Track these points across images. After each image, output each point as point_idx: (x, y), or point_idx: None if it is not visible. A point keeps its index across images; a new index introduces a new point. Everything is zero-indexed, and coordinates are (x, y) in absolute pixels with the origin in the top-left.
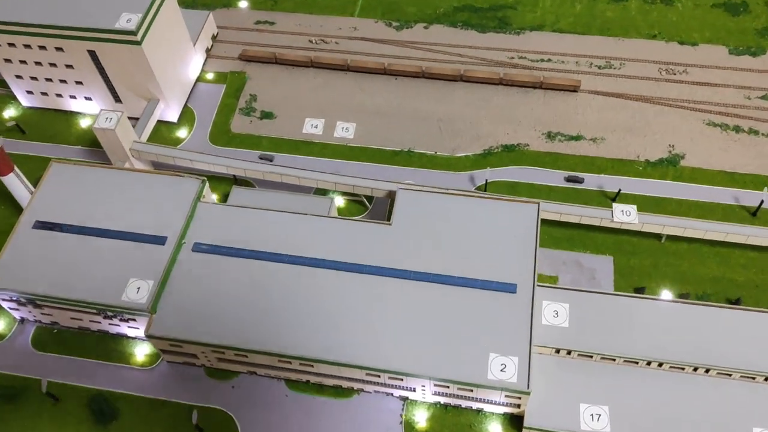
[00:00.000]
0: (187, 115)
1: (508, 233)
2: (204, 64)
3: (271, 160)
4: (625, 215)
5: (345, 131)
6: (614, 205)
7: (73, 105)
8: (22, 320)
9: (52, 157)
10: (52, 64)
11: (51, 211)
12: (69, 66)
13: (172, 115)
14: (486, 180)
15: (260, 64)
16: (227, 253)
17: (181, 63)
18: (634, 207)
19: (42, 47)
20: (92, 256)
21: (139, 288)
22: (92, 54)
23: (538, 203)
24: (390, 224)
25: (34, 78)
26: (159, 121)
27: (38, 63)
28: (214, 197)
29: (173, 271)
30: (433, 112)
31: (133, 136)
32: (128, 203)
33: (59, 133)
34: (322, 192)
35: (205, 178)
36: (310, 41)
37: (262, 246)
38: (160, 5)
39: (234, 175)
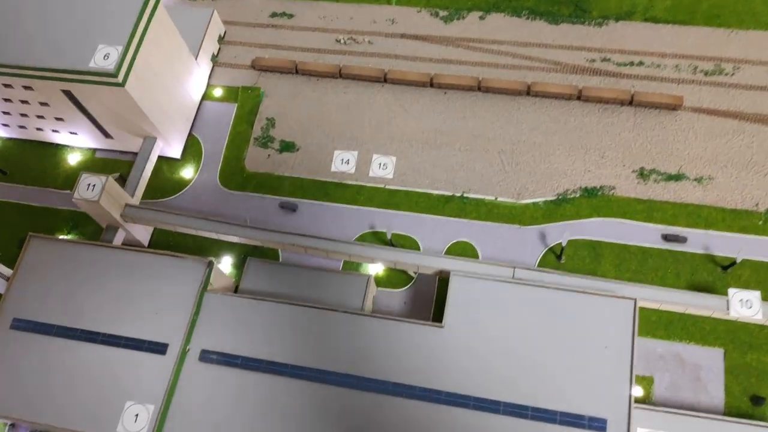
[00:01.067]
0: (192, 148)
1: (594, 342)
2: (210, 76)
3: (295, 210)
4: (744, 307)
5: (382, 168)
6: (731, 292)
7: (57, 138)
8: (13, 425)
9: (37, 207)
10: (24, 101)
11: (30, 305)
12: (44, 104)
13: (174, 151)
14: (563, 247)
15: (278, 75)
16: (242, 364)
17: (180, 87)
18: (757, 295)
19: (7, 85)
20: (81, 370)
21: (137, 415)
22: (68, 93)
23: (635, 301)
24: (442, 327)
25: (6, 113)
26: (161, 157)
27: (7, 99)
28: (227, 272)
29: (177, 390)
30: (492, 140)
31: (125, 198)
32: (120, 295)
33: (45, 173)
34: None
35: (212, 260)
36: (338, 40)
37: (283, 354)
38: (146, 28)
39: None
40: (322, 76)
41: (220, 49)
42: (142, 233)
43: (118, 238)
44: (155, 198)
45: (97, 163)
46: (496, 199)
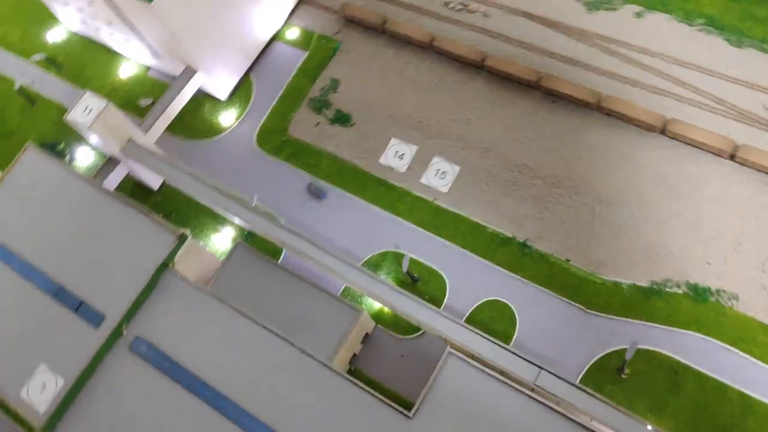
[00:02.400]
0: (243, 92)
1: None
2: (292, 13)
3: (321, 198)
4: None
5: (440, 177)
6: None
7: (113, 43)
8: None
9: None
10: None
11: None
12: None
13: (221, 91)
14: (626, 359)
15: (362, 30)
16: (167, 370)
17: (239, 19)
18: None
19: None
20: (9, 308)
21: (44, 384)
22: None
23: None
24: (410, 418)
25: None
26: (206, 95)
27: None
28: (224, 246)
29: (94, 373)
30: (592, 181)
31: (130, 132)
32: (84, 243)
33: (94, 78)
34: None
35: (186, 234)
36: (447, 3)
37: (217, 377)
38: None
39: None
40: (411, 43)
41: None
42: (150, 176)
43: (119, 174)
44: (185, 136)
45: (146, 82)
46: (567, 261)
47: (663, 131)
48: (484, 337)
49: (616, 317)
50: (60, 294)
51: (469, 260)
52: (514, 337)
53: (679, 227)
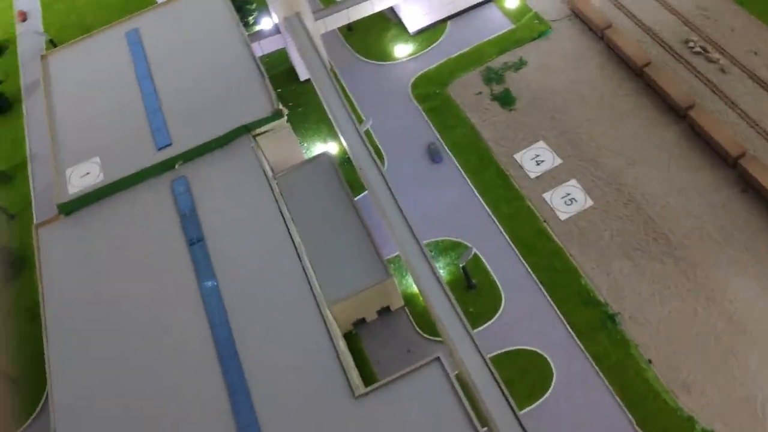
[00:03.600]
0: (432, 34)
1: None
2: None
3: (435, 160)
4: None
5: (566, 201)
6: None
7: None
8: None
9: None
10: None
11: None
12: None
13: (412, 23)
14: None
15: (581, 28)
16: (186, 220)
17: None
18: None
19: None
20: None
21: (88, 173)
22: None
23: None
24: (354, 399)
25: None
26: (397, 21)
27: None
28: (305, 148)
29: (133, 189)
30: (729, 296)
31: (300, 8)
32: (198, 71)
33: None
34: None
35: (283, 112)
36: (687, 41)
37: (220, 250)
38: None
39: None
40: (623, 61)
41: None
42: (301, 65)
43: (273, 43)
44: (354, 49)
45: None
46: (649, 362)
47: None
48: (498, 388)
49: None
50: (151, 108)
51: (540, 299)
52: (533, 406)
53: None
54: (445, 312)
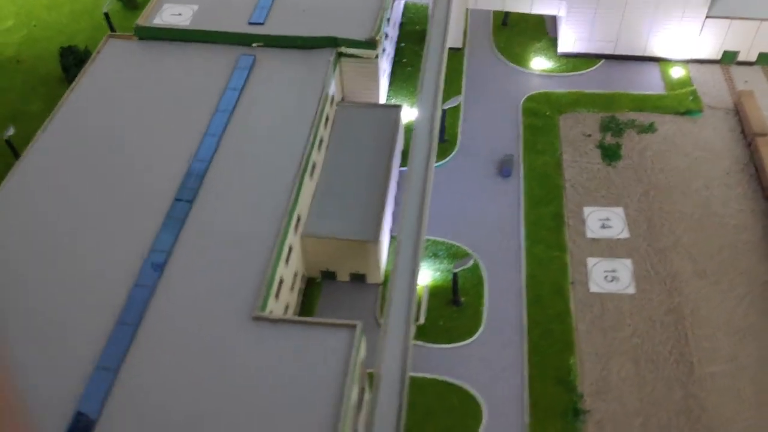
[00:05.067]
0: (578, 61)
1: None
2: (701, 61)
3: (503, 173)
4: None
5: (608, 279)
6: None
7: None
8: None
9: None
10: None
11: None
12: None
13: (565, 44)
14: None
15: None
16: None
17: (651, 15)
18: None
19: None
20: None
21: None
22: None
23: None
24: (252, 320)
25: None
26: (553, 37)
27: None
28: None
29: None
30: None
31: None
32: None
33: None
34: None
35: (377, 45)
36: None
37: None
38: None
39: None
40: (755, 175)
41: None
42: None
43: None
44: (497, 47)
45: None
46: None
47: None
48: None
49: None
50: None
51: (516, 351)
52: None
53: None
54: (400, 302)
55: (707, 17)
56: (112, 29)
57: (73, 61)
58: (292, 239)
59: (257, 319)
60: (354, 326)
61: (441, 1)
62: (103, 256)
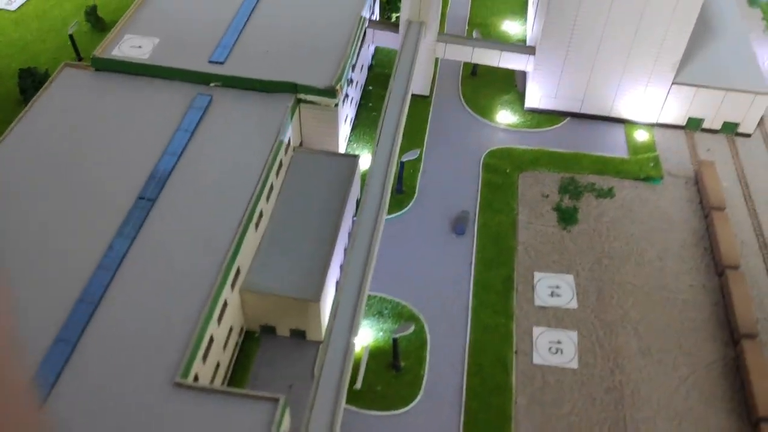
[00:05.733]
0: (542, 118)
1: None
2: (666, 126)
3: (457, 231)
4: None
5: (552, 351)
6: None
7: None
8: None
9: None
10: None
11: None
12: None
13: (534, 100)
14: None
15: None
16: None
17: (623, 82)
18: None
19: None
20: None
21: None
22: None
23: None
24: (173, 387)
25: None
26: (522, 95)
27: None
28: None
29: None
30: None
31: (432, 27)
32: None
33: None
34: None
35: (337, 100)
36: None
37: None
38: None
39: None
40: (709, 250)
41: None
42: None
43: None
44: (465, 97)
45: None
46: None
47: None
48: None
49: None
50: (235, 25)
51: (453, 424)
52: None
53: None
54: (334, 364)
55: (674, 83)
56: (77, 51)
57: (31, 83)
58: (229, 294)
59: (178, 385)
60: (277, 400)
61: (406, 53)
62: (30, 300)
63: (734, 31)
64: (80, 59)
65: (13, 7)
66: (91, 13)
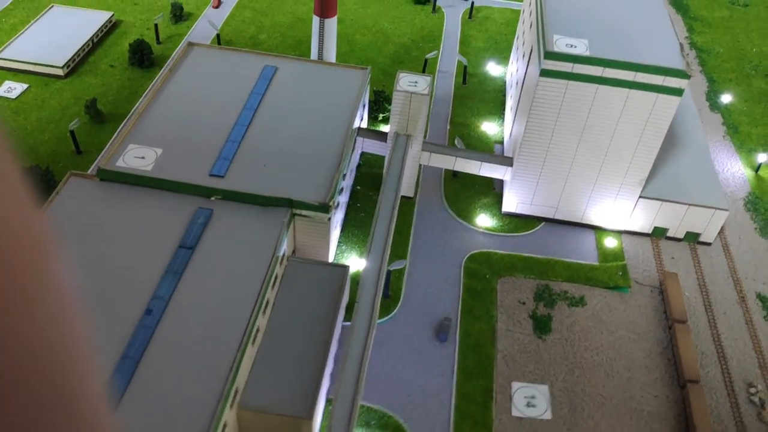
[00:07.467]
0: (519, 223)
1: None
2: (640, 234)
3: (439, 338)
4: None
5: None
6: None
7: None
8: None
9: None
10: None
11: None
12: None
13: (512, 205)
14: None
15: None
16: None
17: (595, 193)
18: None
19: None
20: None
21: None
22: None
23: None
24: None
25: None
26: (499, 199)
27: None
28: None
29: None
30: None
31: (419, 132)
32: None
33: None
34: None
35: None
36: (750, 390)
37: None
38: None
39: None
40: (673, 361)
41: None
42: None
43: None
44: (448, 198)
45: None
46: None
47: None
48: None
49: None
50: (234, 137)
51: None
52: None
53: None
54: None
55: (641, 197)
56: (76, 146)
57: (32, 181)
58: (228, 415)
59: None
60: None
61: (395, 165)
62: None
63: (696, 145)
64: (79, 153)
65: (14, 95)
66: (91, 106)
